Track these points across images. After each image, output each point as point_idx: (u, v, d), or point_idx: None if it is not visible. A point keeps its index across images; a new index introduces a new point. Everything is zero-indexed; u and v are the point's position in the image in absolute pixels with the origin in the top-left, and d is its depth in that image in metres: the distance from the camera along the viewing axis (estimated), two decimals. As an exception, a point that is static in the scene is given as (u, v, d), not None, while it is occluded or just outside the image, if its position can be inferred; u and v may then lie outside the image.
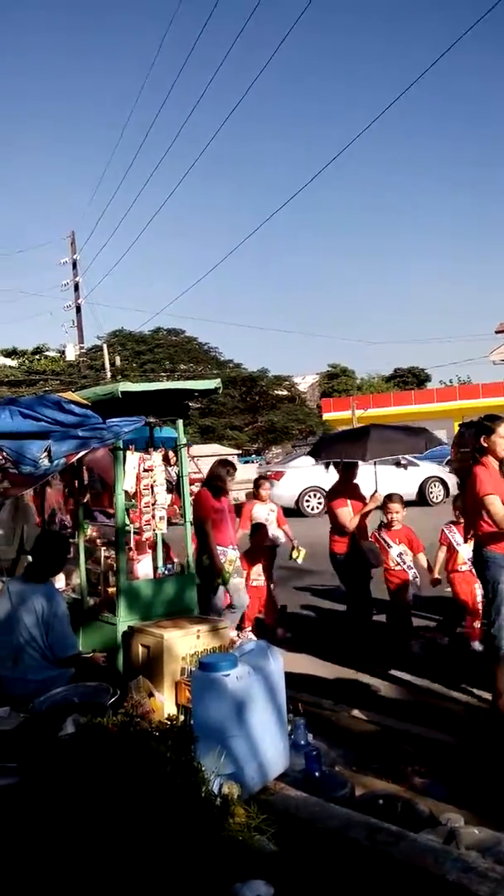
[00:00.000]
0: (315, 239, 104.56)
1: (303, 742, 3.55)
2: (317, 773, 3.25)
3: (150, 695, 4.42)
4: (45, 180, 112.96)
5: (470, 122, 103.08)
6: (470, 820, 2.99)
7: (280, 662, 3.38)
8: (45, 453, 4.67)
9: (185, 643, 4.60)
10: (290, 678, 3.82)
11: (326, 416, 39.67)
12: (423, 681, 5.31)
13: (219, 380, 5.59)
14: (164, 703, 4.41)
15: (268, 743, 3.07)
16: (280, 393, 39.11)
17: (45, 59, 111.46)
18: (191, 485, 7.55)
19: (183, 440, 5.56)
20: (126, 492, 5.19)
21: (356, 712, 4.83)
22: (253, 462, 24.67)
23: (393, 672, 5.52)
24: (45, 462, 4.69)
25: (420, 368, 52.91)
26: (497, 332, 40.81)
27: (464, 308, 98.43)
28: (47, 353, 42.68)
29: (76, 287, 35.78)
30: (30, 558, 5.53)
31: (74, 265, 35.71)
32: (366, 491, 6.59)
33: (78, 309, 36.09)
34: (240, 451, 26.10)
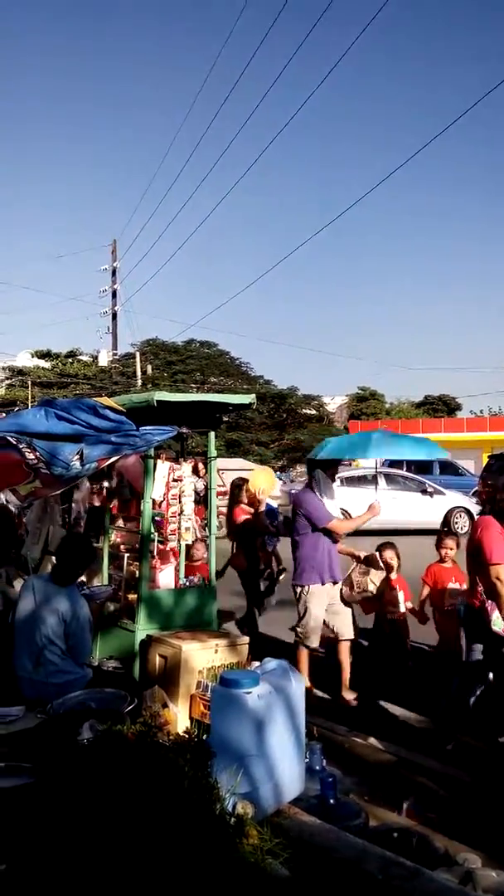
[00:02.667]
0: (352, 261, 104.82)
1: (318, 767, 3.49)
2: (332, 800, 3.19)
3: (165, 706, 4.39)
4: (89, 187, 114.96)
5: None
6: (487, 862, 2.91)
7: (302, 684, 3.34)
8: (78, 456, 4.70)
9: (202, 656, 4.57)
10: (306, 700, 3.76)
11: (353, 438, 39.45)
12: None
13: (253, 395, 5.60)
14: (179, 716, 4.38)
15: (285, 765, 3.02)
16: (308, 412, 39.12)
17: (99, 64, 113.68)
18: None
19: (213, 453, 5.56)
20: (154, 500, 5.20)
21: (372, 740, 4.75)
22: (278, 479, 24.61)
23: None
24: (77, 465, 4.72)
25: (451, 397, 52.50)
26: (533, 365, 40.22)
27: (499, 338, 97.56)
28: (80, 357, 43.22)
29: (114, 294, 36.23)
30: (54, 559, 5.56)
31: (114, 272, 36.18)
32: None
33: (114, 316, 36.51)
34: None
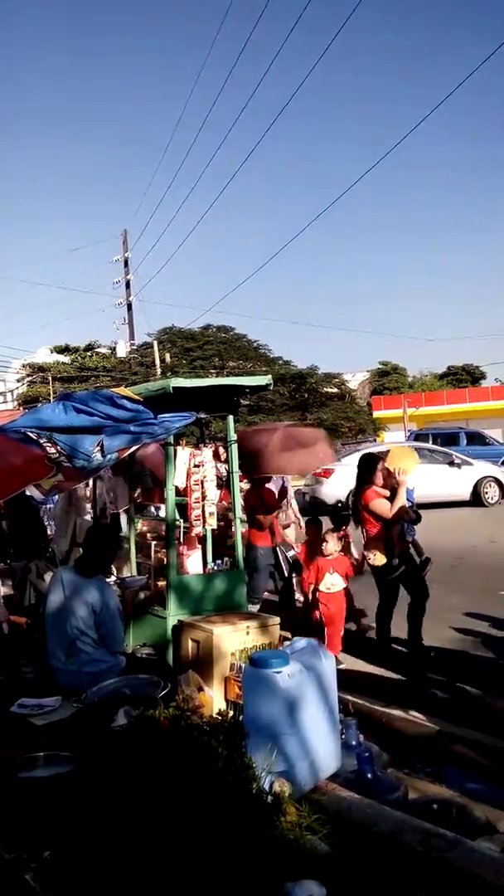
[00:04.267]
0: (367, 235, 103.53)
1: (354, 742, 3.49)
2: (369, 775, 3.20)
3: (200, 689, 4.43)
4: (98, 178, 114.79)
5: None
6: (529, 829, 2.89)
7: (332, 661, 3.33)
8: (98, 448, 4.73)
9: (234, 639, 4.59)
10: (342, 677, 3.75)
11: (377, 413, 39.20)
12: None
13: (269, 376, 5.56)
14: (214, 698, 4.41)
15: (319, 742, 3.02)
16: (330, 390, 38.82)
17: (102, 62, 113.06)
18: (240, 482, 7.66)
19: (233, 437, 5.55)
20: (176, 487, 5.21)
21: (413, 713, 4.73)
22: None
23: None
24: (98, 456, 4.74)
25: (475, 366, 51.71)
26: None
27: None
28: (99, 350, 43.39)
29: (127, 284, 36.21)
30: (80, 551, 5.62)
31: (126, 263, 36.14)
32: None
33: (129, 306, 36.53)
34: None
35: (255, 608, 6.40)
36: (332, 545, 5.89)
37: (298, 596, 6.82)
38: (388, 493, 5.80)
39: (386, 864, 2.37)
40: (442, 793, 3.44)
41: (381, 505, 5.75)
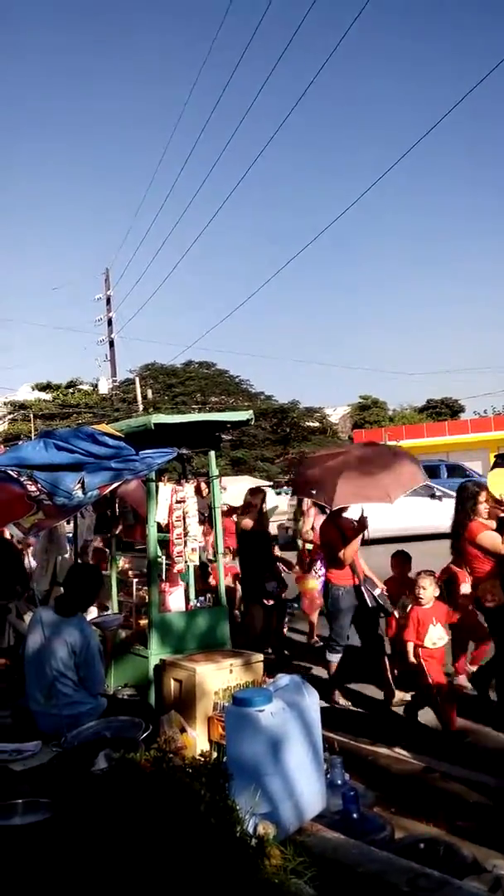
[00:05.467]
0: (345, 272, 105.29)
1: (339, 782, 3.44)
2: (355, 815, 3.15)
3: (183, 730, 4.35)
4: (79, 218, 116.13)
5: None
6: (517, 867, 2.85)
7: (316, 698, 3.30)
8: (79, 485, 4.71)
9: (217, 677, 4.53)
10: (326, 715, 3.72)
11: (358, 447, 39.47)
12: (467, 721, 5.11)
13: (251, 411, 5.60)
14: (197, 739, 4.34)
15: (304, 782, 2.98)
16: (311, 424, 39.13)
17: (77, 91, 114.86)
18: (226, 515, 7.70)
19: (215, 472, 5.56)
20: (158, 524, 5.19)
21: (397, 750, 4.69)
22: (283, 494, 24.62)
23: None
24: (79, 494, 4.72)
25: (453, 399, 52.45)
26: (532, 362, 40.18)
27: (499, 337, 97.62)
28: (80, 387, 43.43)
29: (109, 322, 36.47)
30: (62, 590, 5.55)
31: (108, 301, 36.44)
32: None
33: (111, 343, 36.73)
34: (271, 483, 26.04)
35: (335, 658, 5.77)
36: (430, 591, 5.11)
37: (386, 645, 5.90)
38: (493, 524, 5.25)
39: (372, 907, 2.33)
40: (429, 831, 3.39)
41: (490, 539, 5.17)
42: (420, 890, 2.39)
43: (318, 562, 7.33)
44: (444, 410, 52.05)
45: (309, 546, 7.71)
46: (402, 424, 45.22)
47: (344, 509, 5.79)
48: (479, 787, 4.12)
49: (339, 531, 5.81)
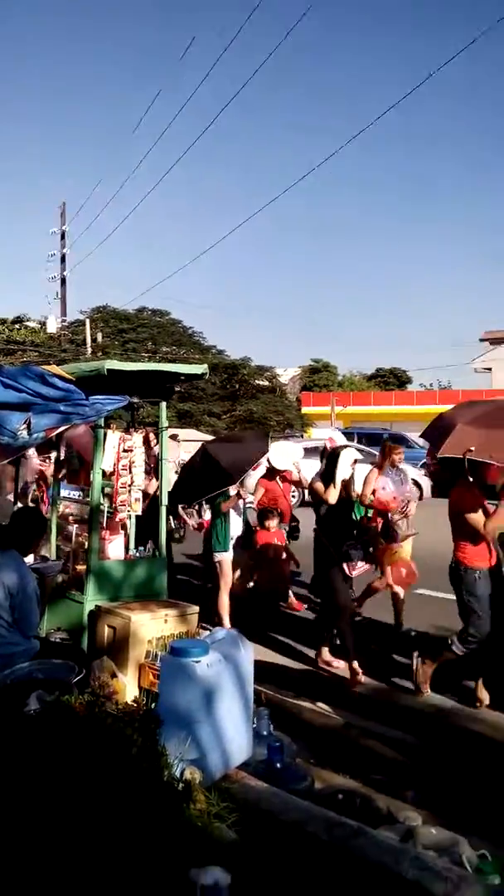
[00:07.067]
0: (309, 235, 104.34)
1: (265, 733, 3.55)
2: (278, 765, 3.26)
3: (114, 676, 4.39)
4: (39, 148, 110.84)
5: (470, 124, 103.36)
6: (427, 820, 3.02)
7: (250, 652, 3.38)
8: (25, 425, 4.60)
9: (152, 626, 4.58)
10: (256, 667, 3.81)
11: (305, 409, 39.76)
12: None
13: (205, 365, 5.55)
14: (127, 685, 4.39)
15: (232, 731, 3.07)
16: (261, 383, 39.04)
17: (47, 31, 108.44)
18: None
19: (165, 423, 5.51)
20: (104, 470, 5.14)
21: (320, 705, 4.85)
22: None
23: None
24: (24, 434, 4.61)
25: (402, 370, 53.19)
26: (481, 340, 41.20)
27: (451, 314, 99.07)
28: (27, 324, 42.05)
29: (63, 259, 35.22)
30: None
31: (63, 236, 35.10)
32: None
33: (63, 281, 35.50)
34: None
35: (461, 651, 4.72)
36: None
37: None
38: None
39: (291, 852, 2.43)
40: (346, 783, 3.55)
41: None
42: (337, 838, 2.51)
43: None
44: (391, 380, 52.79)
45: (370, 512, 6.43)
46: (351, 391, 45.72)
47: (483, 471, 4.67)
48: (395, 744, 4.32)
49: (476, 499, 4.76)
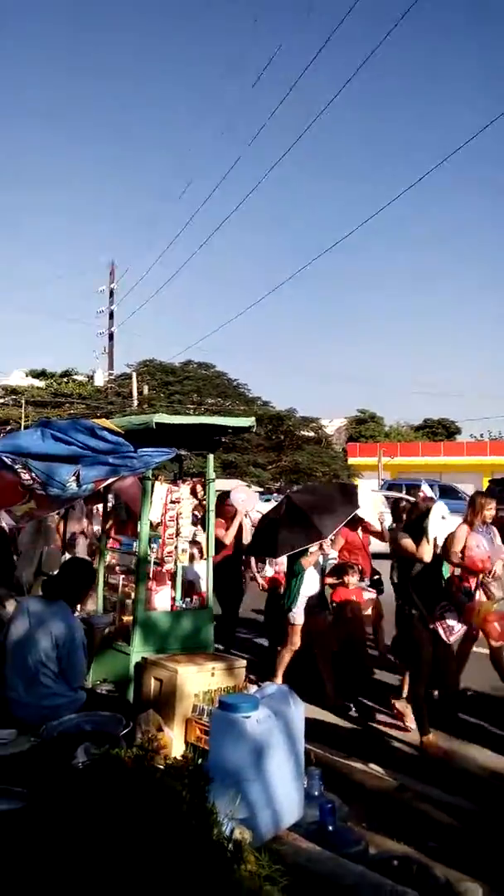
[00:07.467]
0: (354, 284, 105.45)
1: (317, 793, 3.44)
2: (330, 827, 3.14)
3: (160, 729, 4.34)
4: (89, 208, 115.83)
5: None
6: (488, 893, 2.86)
7: (301, 709, 3.31)
8: (74, 477, 4.70)
9: (199, 680, 4.53)
10: (306, 725, 3.72)
11: (352, 460, 39.56)
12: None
13: (253, 418, 5.61)
14: (174, 740, 4.33)
15: (283, 791, 2.98)
16: (306, 434, 39.13)
17: (96, 79, 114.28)
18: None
19: (212, 475, 5.56)
20: (151, 521, 5.18)
21: (372, 766, 4.69)
22: (272, 500, 24.64)
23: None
24: (73, 486, 4.71)
25: (451, 420, 52.59)
26: (528, 389, 40.39)
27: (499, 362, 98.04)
28: (76, 378, 43.31)
29: (111, 315, 36.47)
30: (44, 578, 5.52)
31: (111, 294, 36.46)
32: None
33: (111, 336, 36.73)
34: (262, 490, 26.05)
35: None
36: None
37: None
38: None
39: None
40: (402, 849, 3.40)
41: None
42: (394, 906, 2.40)
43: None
44: (440, 431, 52.19)
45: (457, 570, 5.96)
46: (398, 441, 45.33)
47: None
48: (451, 809, 4.13)
49: None
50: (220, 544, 6.81)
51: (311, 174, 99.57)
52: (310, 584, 6.07)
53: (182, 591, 5.95)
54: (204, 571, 7.59)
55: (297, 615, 6.01)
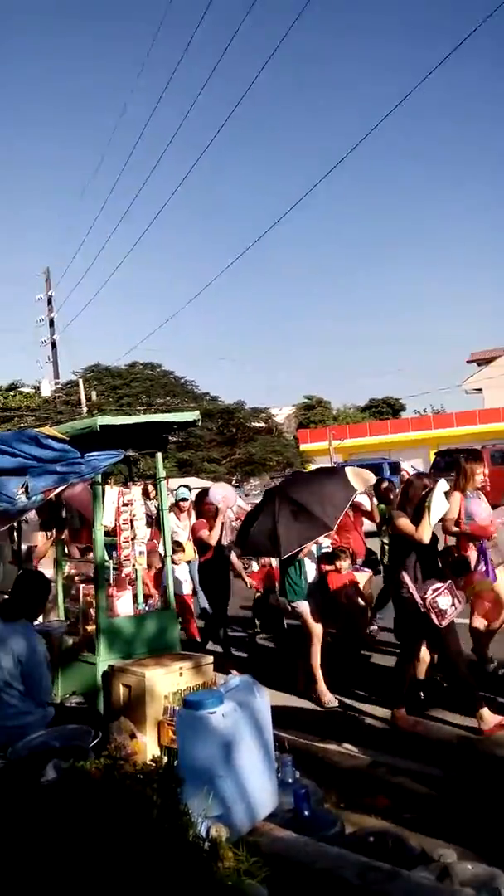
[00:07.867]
0: (287, 273, 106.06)
1: (290, 780, 3.46)
2: (306, 812, 3.17)
3: (133, 736, 4.31)
4: (18, 214, 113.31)
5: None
6: (463, 855, 2.93)
7: (266, 698, 3.32)
8: (23, 489, 4.62)
9: (167, 681, 4.51)
10: (276, 714, 3.75)
11: (304, 446, 39.87)
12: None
13: (197, 412, 5.58)
14: (147, 744, 4.30)
15: (255, 782, 2.99)
16: (257, 425, 39.31)
17: (26, 77, 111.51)
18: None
19: (162, 473, 5.52)
20: (105, 527, 5.12)
21: (346, 746, 4.75)
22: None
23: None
24: (23, 498, 4.63)
25: (395, 398, 53.53)
26: (468, 362, 41.56)
27: (436, 338, 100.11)
28: (22, 390, 42.45)
29: (51, 323, 35.76)
30: (5, 597, 5.41)
31: (49, 301, 35.72)
32: None
33: (53, 345, 36.01)
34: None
35: None
36: None
37: None
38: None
39: (325, 902, 2.35)
40: (378, 825, 3.46)
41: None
42: (371, 883, 2.43)
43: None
44: (385, 409, 53.08)
45: (452, 539, 5.89)
46: (346, 424, 45.88)
47: None
48: (424, 779, 4.22)
49: None
50: (205, 545, 6.82)
51: (242, 159, 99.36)
52: (308, 572, 6.06)
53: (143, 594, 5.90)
54: (185, 573, 7.60)
55: (304, 603, 5.94)
